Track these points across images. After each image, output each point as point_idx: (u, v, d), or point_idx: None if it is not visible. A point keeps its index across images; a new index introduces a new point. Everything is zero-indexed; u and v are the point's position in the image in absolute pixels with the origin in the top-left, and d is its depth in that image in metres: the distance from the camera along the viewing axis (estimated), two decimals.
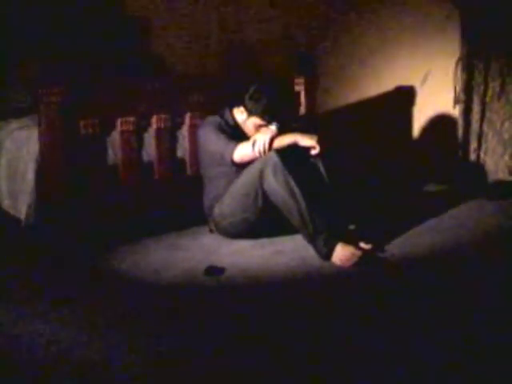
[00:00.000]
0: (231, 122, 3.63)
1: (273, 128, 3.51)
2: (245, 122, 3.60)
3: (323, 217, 3.28)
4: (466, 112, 4.57)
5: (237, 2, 5.40)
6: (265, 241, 3.55)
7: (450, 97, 4.67)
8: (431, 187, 4.68)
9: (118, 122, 3.60)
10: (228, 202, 3.51)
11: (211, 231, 3.69)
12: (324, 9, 5.19)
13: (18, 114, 4.06)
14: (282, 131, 3.52)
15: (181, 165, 3.82)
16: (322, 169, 3.51)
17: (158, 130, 3.72)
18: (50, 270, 3.22)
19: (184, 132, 3.82)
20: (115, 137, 3.62)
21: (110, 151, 3.62)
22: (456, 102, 4.64)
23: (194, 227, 3.76)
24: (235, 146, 3.47)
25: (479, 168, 4.53)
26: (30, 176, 3.50)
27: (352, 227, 3.65)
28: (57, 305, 2.79)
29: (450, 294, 2.86)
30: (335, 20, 5.18)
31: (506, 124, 4.42)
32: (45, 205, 3.46)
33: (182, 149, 3.82)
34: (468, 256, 3.36)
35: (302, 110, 4.21)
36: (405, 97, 4.98)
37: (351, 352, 2.36)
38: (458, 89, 4.60)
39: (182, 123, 3.82)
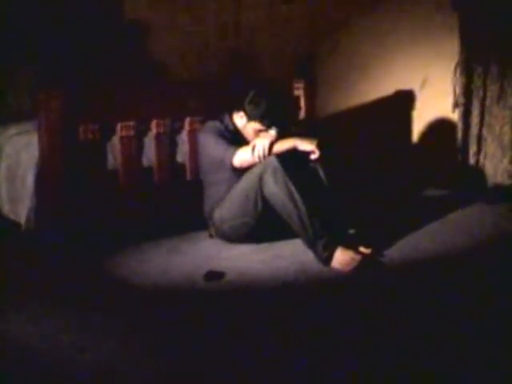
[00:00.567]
0: (231, 127, 3.64)
1: (272, 133, 3.52)
2: (244, 126, 3.61)
3: (323, 221, 3.28)
4: (466, 116, 4.57)
5: (236, 6, 5.41)
6: (264, 245, 3.55)
7: (449, 101, 4.67)
8: (431, 191, 4.68)
9: (118, 126, 3.60)
10: (228, 206, 3.51)
11: (211, 236, 3.69)
12: (324, 13, 5.19)
13: (18, 118, 4.06)
14: (281, 136, 3.52)
15: (180, 170, 3.83)
16: (321, 173, 3.52)
17: (158, 134, 3.72)
18: (50, 274, 3.22)
19: (184, 137, 3.83)
20: (115, 142, 3.62)
21: (109, 156, 3.62)
22: (455, 105, 4.64)
23: (193, 232, 3.76)
24: (235, 150, 3.48)
25: (478, 172, 4.53)
26: (30, 181, 3.51)
27: (352, 232, 3.65)
28: (57, 309, 2.79)
29: (449, 299, 2.86)
30: (335, 25, 5.19)
31: (506, 128, 4.42)
32: (45, 209, 3.46)
33: (182, 153, 3.83)
34: (467, 260, 3.36)
35: (302, 114, 4.21)
36: (404, 101, 4.98)
37: (351, 356, 2.36)
38: (457, 93, 4.59)
39: (181, 128, 3.82)
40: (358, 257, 3.21)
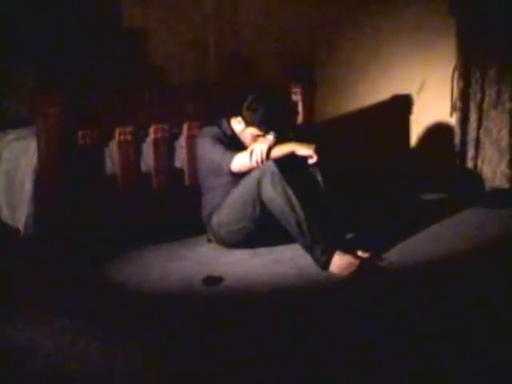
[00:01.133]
0: (228, 132, 3.64)
1: (270, 138, 3.52)
2: (242, 131, 3.61)
3: (321, 226, 3.29)
4: (463, 120, 4.58)
5: (235, 11, 5.42)
6: (263, 250, 3.55)
7: (446, 105, 4.68)
8: (428, 195, 4.69)
9: (116, 132, 3.60)
10: (226, 211, 3.52)
11: (209, 241, 3.69)
12: (322, 18, 5.20)
13: (16, 124, 4.06)
14: (279, 141, 3.52)
15: (179, 175, 3.83)
16: (319, 178, 3.52)
17: (156, 140, 3.72)
18: (50, 279, 3.22)
19: (182, 142, 3.83)
20: (113, 147, 3.63)
21: (107, 161, 3.62)
22: (453, 110, 4.65)
23: (192, 237, 3.76)
24: (233, 156, 3.48)
25: (476, 176, 4.53)
26: (29, 186, 3.51)
27: (350, 236, 3.66)
28: (56, 314, 2.79)
29: (448, 302, 2.86)
30: (333, 29, 5.19)
31: (503, 132, 4.43)
32: (43, 215, 3.46)
33: (180, 159, 3.83)
34: (466, 264, 3.36)
35: (300, 119, 4.22)
36: (402, 105, 4.99)
37: (350, 360, 2.36)
38: (454, 97, 4.61)
39: (179, 133, 3.82)
40: (356, 261, 3.21)
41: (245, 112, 3.57)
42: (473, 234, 3.80)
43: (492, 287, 3.05)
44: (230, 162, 3.48)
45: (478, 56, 4.47)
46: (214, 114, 3.74)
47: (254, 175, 3.40)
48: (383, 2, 4.98)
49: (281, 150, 3.47)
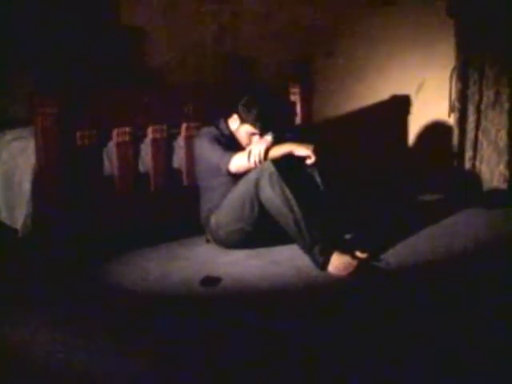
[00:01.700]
0: (226, 132, 3.64)
1: (268, 138, 3.52)
2: (237, 129, 3.62)
3: (319, 226, 3.29)
4: (461, 121, 4.58)
5: (233, 13, 5.42)
6: (261, 251, 3.55)
7: (445, 106, 4.68)
8: (427, 196, 4.69)
9: (114, 132, 3.61)
10: (224, 212, 3.52)
11: (208, 241, 3.69)
12: (321, 20, 5.20)
13: (15, 124, 4.06)
14: (277, 141, 3.53)
15: (177, 175, 3.83)
16: (317, 178, 3.52)
17: (154, 140, 3.73)
18: (48, 280, 3.22)
19: (180, 142, 3.83)
20: (111, 147, 3.63)
21: (106, 162, 3.62)
22: (451, 110, 4.65)
23: (190, 237, 3.76)
24: (231, 156, 3.49)
25: (474, 177, 4.54)
26: (27, 187, 3.51)
27: (348, 236, 3.66)
28: (54, 315, 2.79)
29: (446, 303, 2.86)
30: (331, 30, 5.19)
31: (501, 132, 4.44)
32: (41, 215, 3.46)
33: (178, 159, 3.83)
34: (464, 264, 3.37)
35: (298, 119, 4.22)
36: (400, 106, 4.99)
37: (348, 360, 2.36)
38: (453, 98, 4.61)
39: (178, 134, 3.83)
40: (355, 262, 3.21)
41: (240, 109, 3.58)
42: (471, 235, 3.80)
43: (490, 287, 3.05)
44: (228, 162, 3.48)
45: (477, 57, 4.48)
46: (213, 114, 3.75)
47: (252, 175, 3.40)
48: (382, 3, 4.98)
49: (279, 151, 3.47)
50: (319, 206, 3.42)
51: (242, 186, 3.45)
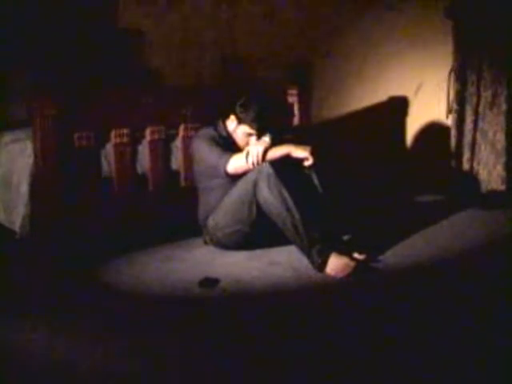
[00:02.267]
0: (224, 134, 3.64)
1: (266, 139, 3.53)
2: (235, 130, 3.62)
3: (317, 228, 3.29)
4: (459, 122, 4.59)
5: (232, 14, 5.42)
6: (259, 252, 3.55)
7: (443, 107, 4.68)
8: (424, 197, 4.70)
9: (112, 134, 3.61)
10: (222, 213, 3.52)
11: (206, 243, 3.69)
12: (319, 21, 5.21)
13: (13, 126, 4.06)
14: (275, 142, 3.53)
15: (175, 176, 3.83)
16: (315, 180, 3.53)
17: (152, 141, 3.73)
18: (46, 281, 3.21)
19: (178, 144, 3.83)
20: (109, 149, 3.63)
21: (104, 163, 3.62)
22: (449, 112, 4.66)
23: (188, 239, 3.76)
24: (229, 157, 3.49)
25: (472, 178, 4.54)
26: (25, 188, 3.51)
27: (346, 238, 3.66)
28: (53, 316, 2.79)
29: (444, 304, 2.86)
30: (330, 32, 5.20)
31: (499, 134, 4.44)
32: (39, 217, 3.46)
33: (177, 161, 3.83)
34: (461, 265, 3.37)
35: (296, 121, 4.22)
36: (398, 107, 5.00)
37: (347, 361, 2.37)
38: (451, 99, 4.61)
39: (176, 135, 3.83)
40: (353, 263, 3.21)
41: (237, 110, 3.58)
42: (469, 236, 3.81)
43: (488, 288, 3.05)
44: (226, 163, 3.48)
45: (475, 58, 4.48)
46: (211, 115, 3.75)
47: (250, 177, 3.40)
48: (380, 4, 4.99)
49: (277, 152, 3.47)
50: (317, 207, 3.42)
51: (240, 188, 3.45)
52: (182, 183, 3.85)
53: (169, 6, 5.23)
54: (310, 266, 3.26)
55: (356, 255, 3.32)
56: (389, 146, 4.99)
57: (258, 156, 3.44)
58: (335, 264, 3.20)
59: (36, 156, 3.45)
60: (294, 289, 3.09)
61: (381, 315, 2.78)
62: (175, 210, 3.78)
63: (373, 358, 2.39)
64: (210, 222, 3.58)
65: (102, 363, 2.37)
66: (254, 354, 2.44)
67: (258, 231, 3.48)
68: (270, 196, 3.31)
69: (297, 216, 3.27)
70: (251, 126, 3.55)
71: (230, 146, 3.58)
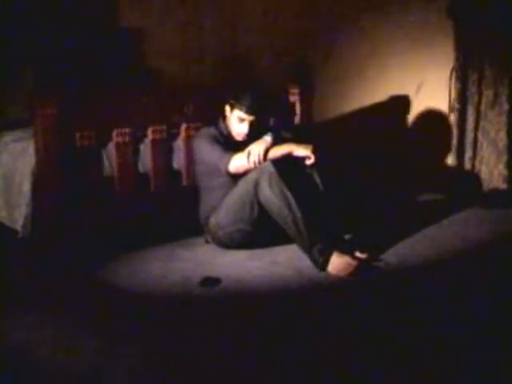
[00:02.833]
0: (225, 133, 3.64)
1: (267, 138, 3.52)
2: (229, 118, 3.61)
3: (319, 227, 3.29)
4: (461, 121, 4.59)
5: (232, 14, 5.42)
6: (260, 251, 3.55)
7: (444, 106, 4.69)
8: (426, 196, 4.69)
9: (114, 133, 3.61)
10: (224, 212, 3.52)
11: (207, 242, 3.69)
12: (320, 20, 5.21)
13: (14, 126, 4.06)
14: (276, 142, 3.53)
15: (177, 176, 3.83)
16: (317, 178, 3.53)
17: (154, 141, 3.73)
18: (48, 281, 3.22)
19: (180, 143, 3.83)
20: (111, 148, 3.63)
21: (105, 162, 3.63)
22: (450, 111, 4.66)
23: (190, 238, 3.76)
24: (230, 156, 3.49)
25: (474, 177, 4.54)
26: (26, 188, 3.51)
27: (347, 237, 3.66)
28: (54, 315, 2.79)
29: (446, 303, 2.87)
30: (331, 30, 5.20)
31: (501, 133, 4.44)
32: (41, 216, 3.47)
33: (178, 160, 3.83)
34: (463, 265, 3.37)
35: (297, 119, 4.22)
36: (400, 106, 4.99)
37: (348, 360, 2.37)
38: (452, 98, 4.61)
39: (177, 134, 3.83)
40: (354, 262, 3.21)
41: (230, 98, 3.58)
42: (470, 235, 3.81)
43: (490, 287, 3.06)
44: (227, 163, 3.48)
45: (476, 57, 4.48)
46: (212, 115, 3.75)
47: (252, 176, 3.40)
48: (381, 3, 4.99)
49: (278, 151, 3.47)
50: (319, 206, 3.42)
51: (242, 187, 3.45)
52: (184, 182, 3.85)
53: (169, 6, 5.23)
54: (311, 265, 3.26)
55: (357, 254, 3.33)
56: (390, 144, 4.98)
57: (259, 155, 3.44)
58: (337, 263, 3.20)
59: (37, 155, 3.45)
60: (296, 288, 3.09)
61: (382, 314, 2.78)
62: (177, 209, 3.78)
63: (373, 357, 2.39)
64: (212, 221, 3.58)
65: (102, 363, 2.38)
66: (254, 354, 2.45)
67: (259, 230, 3.48)
68: (272, 195, 3.31)
69: (298, 215, 3.27)
70: (241, 109, 3.53)
71: (231, 146, 3.58)
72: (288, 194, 3.29)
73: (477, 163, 4.55)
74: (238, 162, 3.47)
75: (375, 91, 5.06)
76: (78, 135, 3.50)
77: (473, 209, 4.32)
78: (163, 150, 3.77)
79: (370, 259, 3.34)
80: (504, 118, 4.42)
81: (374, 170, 4.91)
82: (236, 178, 3.50)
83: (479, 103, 4.51)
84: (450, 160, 4.68)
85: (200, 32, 5.35)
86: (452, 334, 2.56)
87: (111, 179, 3.63)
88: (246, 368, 2.34)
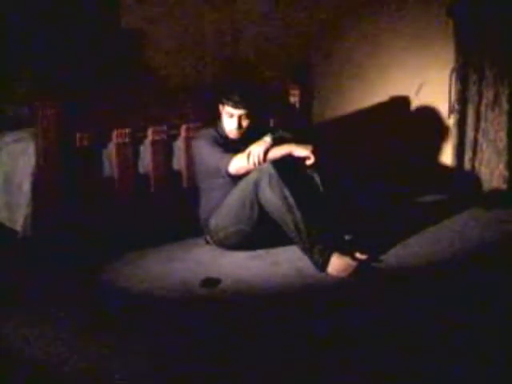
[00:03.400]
0: (225, 134, 3.64)
1: (267, 139, 3.52)
2: (222, 117, 3.61)
3: (319, 227, 3.29)
4: (461, 122, 4.58)
5: (232, 14, 5.42)
6: (260, 252, 3.55)
7: (444, 106, 4.68)
8: (426, 196, 4.69)
9: (114, 134, 3.61)
10: (224, 213, 3.52)
11: (207, 243, 3.69)
12: (320, 20, 5.21)
13: (14, 126, 4.06)
14: (276, 142, 3.53)
15: (177, 177, 3.83)
16: (317, 179, 3.53)
17: (154, 142, 3.73)
18: (47, 281, 3.22)
19: (180, 144, 3.83)
20: (111, 149, 3.63)
21: (105, 163, 3.63)
22: (451, 111, 4.65)
23: (190, 239, 3.76)
24: (230, 157, 3.49)
25: (474, 177, 4.54)
26: (27, 188, 3.51)
27: (348, 237, 3.66)
28: (54, 316, 2.80)
29: (446, 304, 2.87)
30: (330, 31, 5.20)
31: (501, 133, 4.44)
32: (41, 217, 3.47)
33: (178, 161, 3.83)
34: (464, 265, 3.37)
35: (297, 120, 4.22)
36: (400, 107, 4.99)
37: (347, 361, 2.37)
38: (452, 99, 4.61)
39: (177, 135, 3.83)
40: (354, 263, 3.22)
41: (222, 96, 3.58)
42: (470, 235, 3.81)
43: (490, 288, 3.05)
44: (227, 164, 3.48)
45: (476, 58, 4.48)
46: (212, 116, 3.75)
47: (252, 177, 3.40)
48: (381, 3, 4.99)
49: (278, 152, 3.47)
50: (319, 206, 3.42)
51: (242, 188, 3.45)
52: (184, 183, 3.85)
53: (170, 7, 5.23)
54: (311, 265, 3.26)
55: (358, 255, 3.33)
56: (390, 145, 4.98)
57: (259, 156, 3.44)
58: (337, 264, 3.20)
59: (38, 156, 3.46)
60: (296, 289, 3.09)
61: (382, 315, 2.78)
62: (177, 210, 3.78)
63: (374, 357, 2.39)
64: (212, 221, 3.58)
65: (102, 363, 2.38)
66: (255, 354, 2.45)
67: (259, 231, 3.48)
68: (272, 195, 3.31)
69: (298, 215, 3.27)
70: (228, 104, 3.52)
71: (231, 146, 3.58)
72: (288, 194, 3.29)
73: (477, 164, 4.55)
74: (238, 163, 3.47)
75: (375, 92, 5.05)
76: (78, 135, 3.50)
77: (473, 209, 4.32)
78: (163, 150, 3.76)
79: (370, 260, 3.34)
80: (504, 119, 4.42)
81: (373, 171, 4.91)
82: (236, 178, 3.50)
83: (479, 104, 4.50)
84: (450, 160, 4.67)
85: (200, 33, 5.35)
86: (452, 334, 2.56)
87: (111, 180, 3.64)
88: (246, 368, 2.34)
